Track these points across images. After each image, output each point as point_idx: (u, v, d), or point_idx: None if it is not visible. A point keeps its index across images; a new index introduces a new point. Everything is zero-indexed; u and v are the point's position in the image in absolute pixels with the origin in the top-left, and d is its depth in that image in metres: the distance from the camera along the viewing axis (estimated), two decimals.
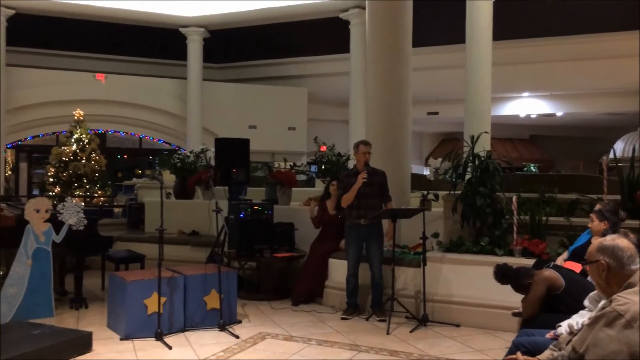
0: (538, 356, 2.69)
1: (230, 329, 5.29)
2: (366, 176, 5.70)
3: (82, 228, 5.84)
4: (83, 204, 7.31)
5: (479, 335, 5.24)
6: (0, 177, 14.21)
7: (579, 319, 3.30)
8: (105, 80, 15.64)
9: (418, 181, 7.81)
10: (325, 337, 5.17)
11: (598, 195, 6.03)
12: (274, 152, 16.01)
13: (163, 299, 5.10)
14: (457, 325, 5.50)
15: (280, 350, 4.80)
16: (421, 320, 5.54)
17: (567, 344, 2.48)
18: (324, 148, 8.15)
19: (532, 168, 17.93)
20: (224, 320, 5.34)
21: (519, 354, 2.67)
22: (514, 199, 5.59)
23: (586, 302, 3.43)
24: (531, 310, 3.86)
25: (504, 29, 11.59)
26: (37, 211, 5.67)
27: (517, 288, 4.29)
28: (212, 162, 8.99)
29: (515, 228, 5.55)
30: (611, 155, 8.01)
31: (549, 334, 3.41)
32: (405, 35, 6.65)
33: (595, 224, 4.52)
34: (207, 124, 16.10)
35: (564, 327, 3.36)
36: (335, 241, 6.55)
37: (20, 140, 15.83)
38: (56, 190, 11.92)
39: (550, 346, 2.72)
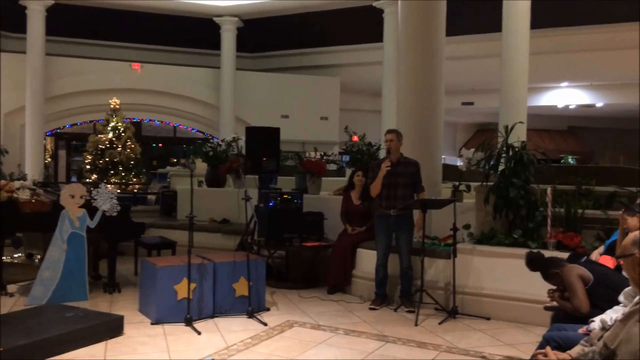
0: (568, 351, 2.61)
1: (259, 317, 5.33)
2: (389, 165, 5.64)
3: (115, 214, 5.96)
4: (118, 190, 7.45)
5: (510, 329, 5.15)
6: (40, 163, 14.60)
7: (612, 315, 3.20)
8: (141, 69, 15.88)
9: (450, 172, 7.69)
10: (352, 327, 5.16)
11: (638, 188, 5.83)
12: (306, 141, 16.01)
13: (193, 285, 5.17)
14: (488, 318, 5.42)
15: (308, 338, 4.81)
16: (450, 312, 5.47)
17: (598, 340, 2.41)
18: (355, 138, 8.10)
19: (569, 160, 17.47)
20: (252, 308, 5.38)
21: (548, 348, 2.60)
22: (549, 190, 5.44)
23: (621, 298, 3.33)
24: (586, 303, 3.72)
25: (542, 17, 11.27)
26: (72, 197, 5.80)
27: (546, 276, 4.20)
28: (244, 151, 9.05)
29: (549, 220, 5.41)
30: None
31: (582, 329, 3.33)
32: (438, 23, 6.52)
33: (629, 221, 4.36)
34: (240, 113, 16.20)
35: (596, 322, 3.27)
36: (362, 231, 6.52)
37: (60, 128, 16.23)
38: (93, 177, 12.19)
39: (582, 341, 2.64)
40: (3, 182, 6.00)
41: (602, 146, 20.51)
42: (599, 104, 17.38)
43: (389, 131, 5.90)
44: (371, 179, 5.88)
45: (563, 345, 3.17)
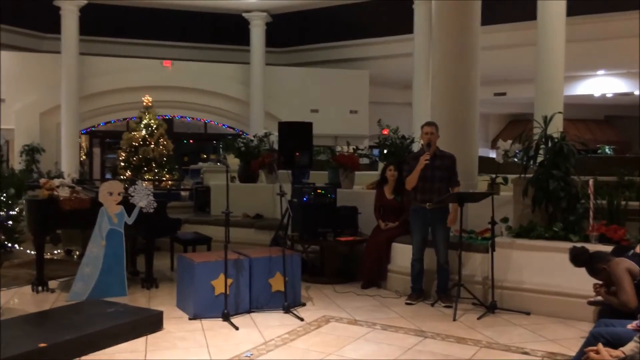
0: (621, 348, 2.53)
1: (295, 312, 5.33)
2: (428, 158, 5.56)
3: (152, 210, 6.02)
4: (152, 187, 7.54)
5: (551, 324, 5.03)
6: (76, 161, 14.91)
7: None
8: (172, 66, 16.04)
9: (485, 164, 7.57)
10: (390, 322, 5.11)
11: None
12: (336, 135, 15.97)
13: (229, 281, 5.19)
14: (528, 313, 5.31)
15: (345, 334, 4.79)
16: (489, 307, 5.38)
17: None
18: (386, 131, 8.03)
19: (606, 150, 17.03)
20: (289, 303, 5.38)
21: (600, 345, 2.53)
22: (591, 182, 5.30)
23: None
24: (634, 298, 3.61)
25: (577, 4, 10.99)
26: (110, 194, 5.88)
27: (592, 272, 4.10)
28: (275, 146, 9.07)
29: (591, 213, 5.26)
30: None
31: (631, 325, 3.22)
32: (473, 12, 6.40)
33: None
34: (270, 108, 16.25)
35: None
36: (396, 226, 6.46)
37: (94, 126, 16.55)
38: (127, 174, 12.39)
39: (635, 338, 2.55)
40: (43, 180, 6.13)
41: None
42: (637, 92, 16.84)
43: (428, 124, 5.81)
44: (407, 172, 5.80)
45: (612, 342, 3.09)
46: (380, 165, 8.31)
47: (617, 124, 21.06)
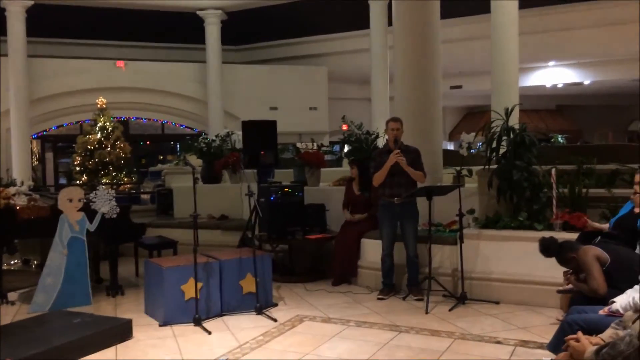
0: (600, 335, 2.58)
1: (268, 313, 5.27)
2: (400, 153, 5.57)
3: (114, 216, 5.85)
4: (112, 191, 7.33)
5: (521, 312, 5.14)
6: (28, 167, 14.36)
7: (635, 295, 3.19)
8: (126, 67, 15.64)
9: (448, 157, 7.65)
10: (363, 318, 5.12)
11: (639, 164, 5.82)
12: (296, 132, 15.90)
13: (200, 285, 5.10)
14: (497, 303, 5.41)
15: (320, 332, 4.76)
16: (460, 298, 5.45)
17: (633, 323, 2.38)
18: (345, 127, 8.03)
19: (559, 139, 17.55)
20: (261, 304, 5.33)
21: (580, 333, 2.56)
22: (553, 171, 5.43)
23: None
24: (603, 285, 3.70)
25: None
26: (70, 200, 5.68)
27: (562, 261, 4.19)
28: (238, 145, 8.96)
29: (554, 201, 5.40)
30: None
31: (603, 311, 3.31)
32: (433, 6, 6.45)
33: (637, 196, 4.36)
34: (228, 107, 16.04)
35: (618, 303, 3.26)
36: (365, 220, 6.47)
37: (45, 131, 15.96)
38: (83, 178, 12.03)
39: (613, 324, 2.61)
40: None
41: (591, 124, 20.63)
42: (587, 82, 17.43)
43: (394, 119, 5.82)
44: (374, 168, 5.80)
45: (586, 328, 3.15)
46: (345, 161, 8.33)
47: (568, 113, 21.74)
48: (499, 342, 4.40)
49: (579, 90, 18.94)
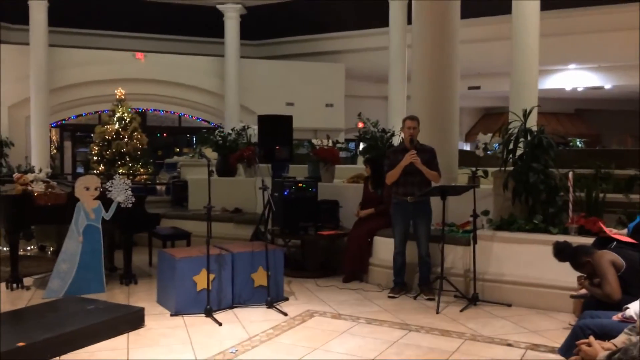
0: (612, 341, 2.56)
1: (278, 307, 5.29)
2: (415, 154, 5.55)
3: (130, 205, 5.90)
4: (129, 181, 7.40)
5: (532, 316, 5.10)
6: (46, 155, 14.54)
7: None
8: (145, 59, 15.76)
9: (464, 157, 7.61)
10: (373, 316, 5.12)
11: None
12: (311, 129, 15.92)
13: (212, 276, 5.13)
14: (509, 305, 5.37)
15: (330, 328, 4.77)
16: (471, 299, 5.43)
17: None
18: (361, 124, 8.01)
19: (577, 143, 17.37)
20: (272, 298, 5.34)
21: (592, 338, 2.54)
22: (570, 175, 5.37)
23: None
24: (618, 290, 3.67)
25: None
26: (87, 189, 5.74)
27: (576, 266, 4.15)
28: (253, 140, 8.99)
29: (571, 205, 5.34)
30: None
31: (616, 317, 3.28)
32: (453, 5, 6.41)
33: None
34: (245, 101, 16.11)
35: (632, 309, 3.22)
36: (378, 218, 6.46)
37: (64, 120, 16.17)
38: (100, 168, 12.16)
39: (626, 330, 2.59)
40: (17, 175, 5.95)
41: (610, 128, 20.36)
42: (607, 86, 17.22)
43: (411, 118, 5.79)
44: (388, 167, 5.79)
45: (599, 333, 3.13)
46: (360, 158, 8.31)
47: (587, 118, 21.49)
48: (509, 345, 4.38)
49: (599, 94, 18.74)
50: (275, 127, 7.19)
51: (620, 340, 2.50)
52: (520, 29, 9.91)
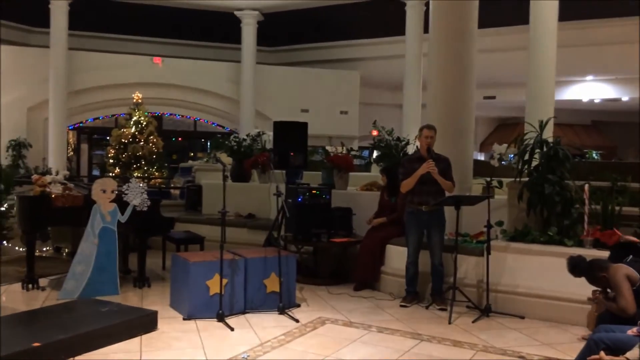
0: (625, 355, 2.54)
1: (290, 313, 5.30)
2: (433, 165, 5.54)
3: (145, 209, 5.96)
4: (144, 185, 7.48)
5: (546, 328, 5.06)
6: (63, 157, 14.72)
7: None
8: (162, 63, 15.92)
9: (478, 167, 7.59)
10: (385, 324, 5.11)
11: None
12: (325, 135, 15.96)
13: (225, 281, 5.15)
14: (522, 317, 5.33)
15: (341, 335, 4.77)
16: (484, 310, 5.40)
17: None
18: (376, 132, 8.01)
19: (594, 155, 17.21)
20: (284, 304, 5.36)
21: (602, 353, 2.53)
22: (586, 187, 5.33)
23: None
24: (633, 304, 3.64)
25: (567, 9, 11.06)
26: (104, 191, 5.81)
27: (592, 280, 4.12)
28: (268, 146, 9.04)
29: (586, 218, 5.30)
30: None
31: (631, 331, 3.25)
32: (471, 15, 6.41)
33: None
34: (260, 107, 16.20)
35: None
36: (391, 227, 6.46)
37: (82, 122, 16.36)
38: (116, 171, 12.28)
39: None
40: (35, 176, 6.03)
41: (627, 141, 20.14)
42: (625, 98, 17.07)
43: (428, 127, 5.79)
44: (402, 175, 5.79)
45: (612, 347, 3.11)
46: (374, 166, 8.31)
47: (604, 129, 21.30)
48: (522, 357, 4.35)
49: (616, 106, 18.58)
50: (290, 133, 7.22)
51: (634, 354, 2.48)
52: (537, 39, 9.89)
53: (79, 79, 15.09)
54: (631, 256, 4.16)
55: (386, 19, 14.61)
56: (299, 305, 5.66)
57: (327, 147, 8.70)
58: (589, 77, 16.50)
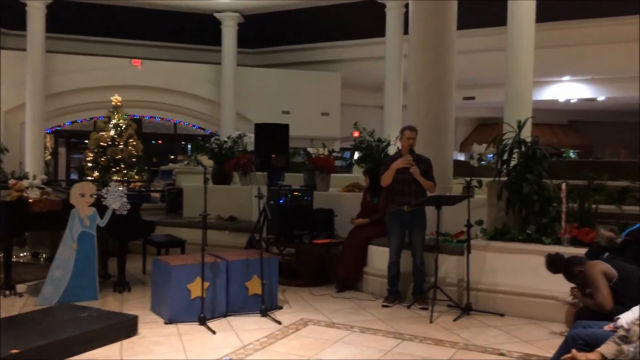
0: (598, 349, 2.58)
1: (272, 315, 5.30)
2: (411, 159, 5.59)
3: (125, 212, 5.90)
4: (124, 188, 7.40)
5: (525, 325, 5.13)
6: (41, 161, 14.51)
7: None
8: (141, 66, 15.79)
9: (460, 167, 7.66)
10: (367, 325, 5.13)
11: None
12: (307, 137, 15.96)
13: (206, 284, 5.13)
14: (502, 315, 5.40)
15: (324, 337, 4.78)
16: (464, 309, 5.45)
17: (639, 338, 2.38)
18: (357, 133, 8.04)
19: (571, 154, 17.48)
20: (266, 306, 5.35)
21: (574, 351, 2.56)
22: (563, 186, 5.41)
23: None
24: (609, 300, 3.70)
25: (544, 11, 11.21)
26: (82, 195, 5.74)
27: (569, 276, 4.18)
28: (249, 148, 9.01)
29: (563, 216, 5.38)
30: None
31: (608, 327, 3.31)
32: (450, 16, 6.48)
33: None
34: (241, 109, 16.15)
35: (624, 319, 3.25)
36: (373, 227, 6.48)
37: (59, 126, 16.15)
38: (95, 174, 12.15)
39: (613, 338, 2.61)
40: (12, 181, 5.94)
41: (603, 140, 20.52)
42: (601, 98, 17.36)
43: (410, 128, 5.83)
44: (383, 172, 5.82)
45: (590, 343, 3.16)
46: (356, 167, 8.33)
47: (580, 129, 21.64)
48: (502, 354, 4.40)
49: (592, 106, 18.89)
50: (272, 135, 7.22)
51: (609, 349, 2.53)
52: (515, 40, 10.01)
53: (57, 81, 14.90)
54: (607, 253, 4.24)
55: (366, 21, 14.67)
56: (281, 307, 5.65)
57: (309, 149, 8.70)
58: (566, 78, 16.75)
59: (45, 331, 4.31)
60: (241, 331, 4.89)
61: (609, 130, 20.74)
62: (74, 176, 16.44)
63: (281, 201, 6.72)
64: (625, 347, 2.44)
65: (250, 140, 8.96)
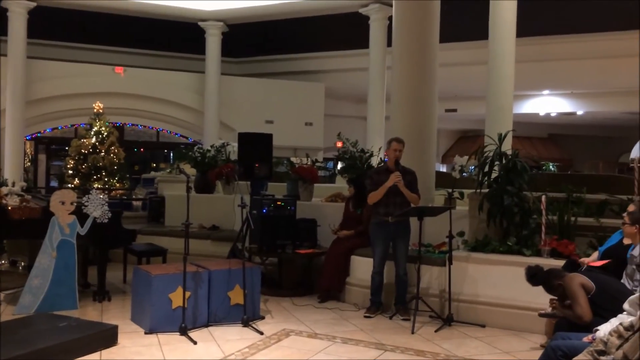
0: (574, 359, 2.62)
1: (254, 325, 5.27)
2: (400, 177, 5.62)
3: (106, 221, 5.85)
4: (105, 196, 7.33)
5: (506, 337, 5.17)
6: (20, 168, 14.30)
7: (618, 323, 3.23)
8: (124, 73, 15.69)
9: (442, 179, 7.73)
10: (349, 335, 5.13)
11: (628, 196, 5.92)
12: (290, 147, 15.97)
13: (188, 294, 5.09)
14: (483, 326, 5.43)
15: (306, 347, 4.77)
16: (446, 319, 5.48)
17: (617, 349, 2.42)
18: (340, 144, 8.08)
19: (550, 167, 17.74)
20: (248, 316, 5.32)
21: None
22: (543, 198, 5.49)
23: (626, 306, 3.36)
24: (588, 312, 3.75)
25: (524, 26, 11.41)
26: (63, 203, 5.68)
27: (548, 289, 4.23)
28: (233, 157, 9.00)
29: (543, 228, 5.46)
30: (632, 155, 7.82)
31: (587, 338, 3.36)
32: (433, 29, 6.57)
33: (627, 227, 4.41)
34: (225, 118, 16.12)
35: (602, 331, 3.30)
36: (356, 238, 6.50)
37: (40, 132, 15.93)
38: (75, 182, 12.01)
39: (590, 350, 2.65)
40: None
41: (582, 153, 20.87)
42: (580, 112, 17.67)
43: (397, 140, 5.85)
44: (370, 186, 5.84)
45: (569, 354, 3.21)
46: (340, 178, 8.35)
47: (560, 142, 21.98)
48: None
49: (571, 120, 19.21)
50: (255, 144, 7.22)
51: (582, 358, 2.57)
52: (496, 54, 10.15)
53: (38, 88, 14.72)
54: (586, 265, 4.30)
55: (350, 33, 14.78)
56: (263, 317, 5.63)
57: (292, 159, 8.72)
58: (546, 92, 17.01)
59: (23, 341, 4.24)
60: (223, 341, 4.86)
61: (588, 144, 21.11)
62: (54, 183, 16.21)
63: (264, 211, 6.71)
64: (603, 357, 2.48)
65: (233, 149, 8.95)
